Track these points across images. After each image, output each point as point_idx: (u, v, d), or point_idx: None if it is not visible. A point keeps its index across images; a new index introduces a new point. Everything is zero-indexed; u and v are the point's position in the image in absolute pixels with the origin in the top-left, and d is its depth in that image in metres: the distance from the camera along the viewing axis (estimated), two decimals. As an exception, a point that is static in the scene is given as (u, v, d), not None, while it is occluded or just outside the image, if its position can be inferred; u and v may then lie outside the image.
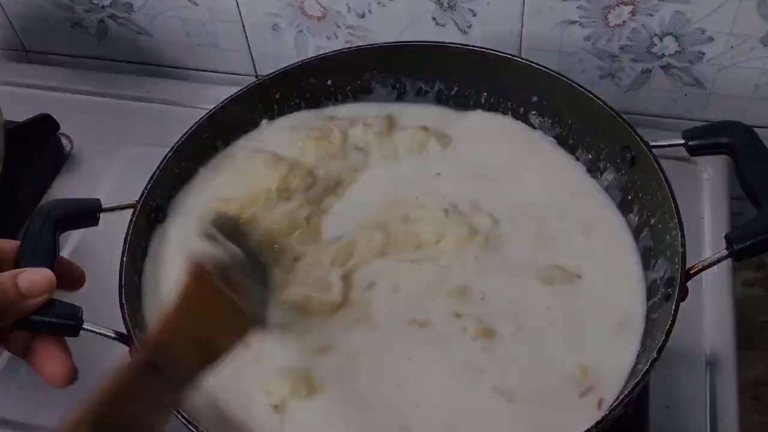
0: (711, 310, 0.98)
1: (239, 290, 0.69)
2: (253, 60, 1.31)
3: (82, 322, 0.79)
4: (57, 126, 1.23)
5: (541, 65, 0.95)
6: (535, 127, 1.00)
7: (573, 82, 0.93)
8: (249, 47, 1.29)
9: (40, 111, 1.22)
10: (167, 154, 0.95)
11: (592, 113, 0.91)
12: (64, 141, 1.26)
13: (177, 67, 1.37)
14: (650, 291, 0.83)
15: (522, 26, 1.12)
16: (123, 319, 0.81)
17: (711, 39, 1.09)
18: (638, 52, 1.14)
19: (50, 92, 1.33)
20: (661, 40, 1.11)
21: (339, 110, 1.02)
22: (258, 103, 1.02)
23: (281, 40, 1.26)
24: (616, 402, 0.69)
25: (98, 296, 0.86)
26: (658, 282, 0.82)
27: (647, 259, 0.85)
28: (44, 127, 1.21)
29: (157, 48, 1.35)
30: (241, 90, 1.00)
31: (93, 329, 0.80)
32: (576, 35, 1.11)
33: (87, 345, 0.77)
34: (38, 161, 1.22)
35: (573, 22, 1.12)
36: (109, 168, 1.22)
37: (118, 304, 0.83)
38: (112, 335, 0.81)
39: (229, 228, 0.76)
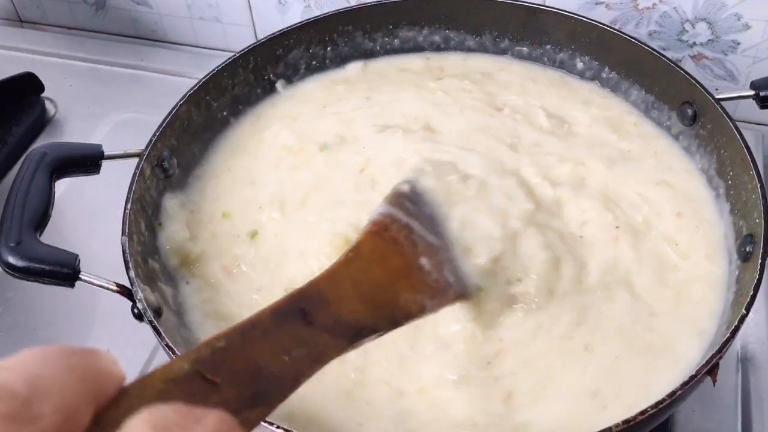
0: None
1: (431, 256, 0.64)
2: (256, 37, 1.25)
3: (78, 271, 0.71)
4: (41, 87, 1.16)
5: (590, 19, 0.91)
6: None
7: (626, 34, 0.88)
8: (253, 22, 1.23)
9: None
10: (178, 102, 0.86)
11: (645, 65, 0.87)
12: (48, 104, 1.19)
13: (176, 43, 1.30)
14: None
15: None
16: (126, 268, 0.71)
17: (747, 26, 1.04)
18: (668, 39, 1.09)
19: (39, 56, 1.27)
20: (693, 26, 1.06)
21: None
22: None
23: (288, 15, 1.19)
24: (713, 354, 0.61)
25: (100, 252, 0.79)
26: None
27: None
28: (27, 86, 1.15)
29: (157, 20, 1.28)
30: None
31: (91, 280, 0.71)
32: (602, 18, 1.06)
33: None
34: (19, 122, 1.14)
35: (599, 3, 1.07)
36: (91, 134, 1.14)
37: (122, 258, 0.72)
38: (113, 288, 0.71)
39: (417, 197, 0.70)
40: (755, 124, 1.11)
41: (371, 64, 0.99)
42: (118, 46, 1.28)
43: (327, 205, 0.81)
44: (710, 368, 0.61)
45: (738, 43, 1.04)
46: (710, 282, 0.74)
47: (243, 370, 0.43)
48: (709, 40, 1.06)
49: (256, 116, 0.95)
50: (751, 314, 0.86)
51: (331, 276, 0.56)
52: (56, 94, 1.20)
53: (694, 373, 0.61)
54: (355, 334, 0.53)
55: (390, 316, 0.57)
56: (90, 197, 1.03)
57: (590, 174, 0.83)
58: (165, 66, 1.23)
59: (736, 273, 0.73)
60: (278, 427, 0.59)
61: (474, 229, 0.71)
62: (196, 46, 1.28)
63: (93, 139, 1.06)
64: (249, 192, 0.86)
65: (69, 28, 1.34)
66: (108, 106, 1.17)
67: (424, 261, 0.64)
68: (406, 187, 0.70)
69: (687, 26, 1.05)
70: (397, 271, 0.61)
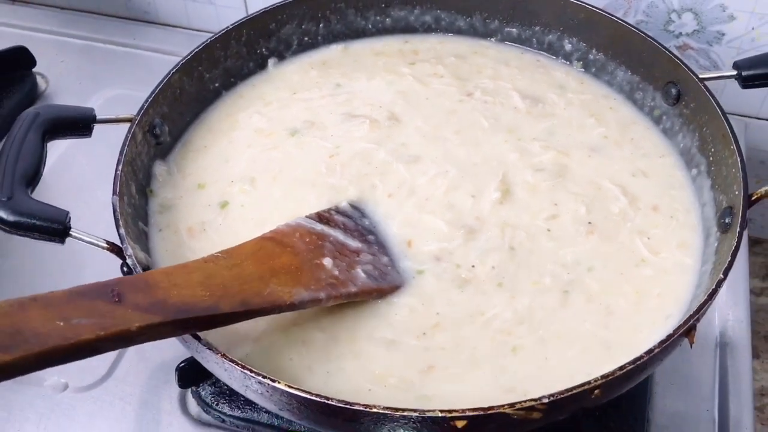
0: (724, 290, 0.91)
1: (341, 257, 0.73)
2: (249, 19, 1.26)
3: (69, 227, 0.71)
4: (33, 61, 1.17)
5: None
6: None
7: (612, 15, 0.90)
8: (245, 4, 1.23)
9: (20, 47, 1.16)
10: (171, 70, 0.87)
11: (632, 47, 0.88)
12: (39, 79, 1.20)
13: (169, 25, 1.30)
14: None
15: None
16: (116, 226, 0.72)
17: (732, 18, 1.06)
18: (654, 29, 1.11)
19: (32, 32, 1.27)
20: (679, 16, 1.08)
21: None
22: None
23: (281, -4, 1.20)
24: (691, 315, 0.62)
25: (91, 213, 0.80)
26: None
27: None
28: (19, 60, 1.15)
29: (150, 1, 1.28)
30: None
31: (82, 237, 0.72)
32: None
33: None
34: (9, 95, 1.15)
35: (588, -10, 1.09)
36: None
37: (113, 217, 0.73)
38: (103, 245, 0.72)
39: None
40: (739, 115, 1.12)
41: (351, 47, 1.00)
42: (111, 24, 1.29)
43: (296, 184, 0.84)
44: (687, 329, 0.63)
45: (723, 34, 1.06)
46: (677, 272, 0.76)
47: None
48: (694, 30, 1.07)
49: (238, 95, 0.96)
50: (729, 297, 0.89)
51: (171, 270, 0.63)
52: (48, 69, 1.20)
53: (671, 332, 0.62)
54: (180, 311, 0.59)
55: (244, 301, 0.63)
56: (82, 164, 1.04)
57: (570, 162, 0.84)
58: (158, 45, 1.24)
59: (715, 245, 0.74)
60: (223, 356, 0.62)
61: (418, 227, 0.79)
62: (189, 28, 1.29)
63: None
64: (223, 168, 0.87)
65: (62, 8, 1.34)
66: (100, 82, 1.18)
67: (327, 261, 0.71)
68: (343, 204, 0.80)
69: (673, 16, 1.07)
70: (279, 268, 0.68)
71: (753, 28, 1.04)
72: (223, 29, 0.92)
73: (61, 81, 1.20)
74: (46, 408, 0.84)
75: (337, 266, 0.72)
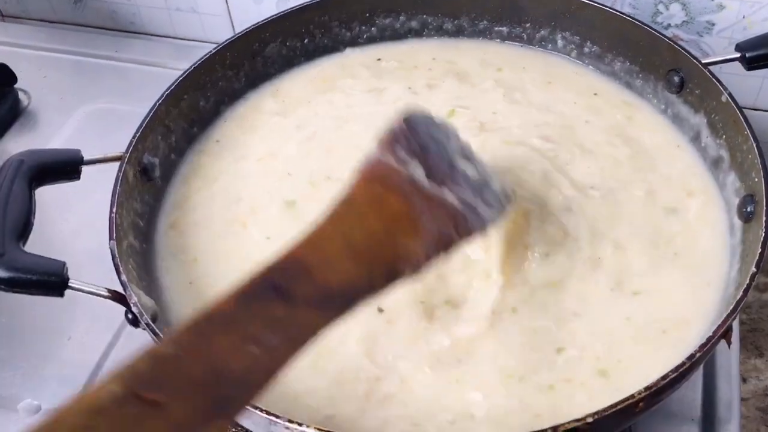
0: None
1: (434, 201, 0.57)
2: (233, 27, 1.22)
3: (67, 279, 0.68)
4: (14, 78, 1.15)
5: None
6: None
7: (607, 6, 0.88)
8: (229, 12, 1.20)
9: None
10: (156, 102, 0.83)
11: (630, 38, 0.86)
12: (21, 95, 1.17)
13: (155, 35, 1.28)
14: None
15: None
16: (117, 273, 0.69)
17: (721, 7, 1.03)
18: (642, 21, 1.08)
19: (15, 48, 1.25)
20: (667, 7, 1.05)
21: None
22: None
23: (262, 5, 1.17)
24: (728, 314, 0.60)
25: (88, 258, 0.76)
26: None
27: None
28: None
29: (135, 12, 1.26)
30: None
31: (81, 287, 0.69)
32: (577, -1, 1.05)
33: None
34: None
35: (572, -19, 1.06)
36: (66, 124, 1.12)
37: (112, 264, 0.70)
38: (104, 293, 0.69)
39: (425, 131, 0.61)
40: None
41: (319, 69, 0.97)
42: (94, 37, 1.26)
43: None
44: (725, 330, 0.60)
45: (713, 24, 1.03)
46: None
47: (197, 378, 0.36)
48: (683, 21, 1.04)
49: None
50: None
51: (314, 238, 0.49)
52: (30, 85, 1.18)
53: (711, 334, 0.60)
54: (348, 300, 0.46)
55: (390, 270, 0.51)
56: (73, 203, 1.01)
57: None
58: (141, 56, 1.21)
59: (739, 235, 0.72)
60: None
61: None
62: (175, 38, 1.26)
63: (66, 129, 1.07)
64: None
65: (50, 22, 1.32)
66: (83, 97, 1.16)
67: (447, 194, 0.57)
68: (401, 125, 0.61)
69: (661, 7, 1.04)
70: (396, 219, 0.54)
71: (744, 17, 1.01)
72: (205, 55, 0.89)
73: (43, 96, 1.17)
74: None
75: (432, 209, 0.57)
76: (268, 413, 0.58)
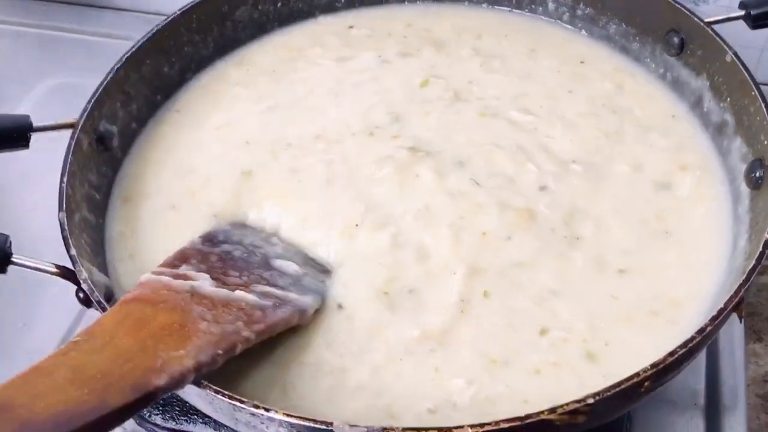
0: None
1: (220, 305, 0.59)
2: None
3: (10, 253, 0.62)
4: None
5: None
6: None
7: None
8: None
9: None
10: (115, 65, 0.77)
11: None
12: None
13: (126, 9, 1.20)
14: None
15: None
16: (66, 247, 0.62)
17: None
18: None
19: None
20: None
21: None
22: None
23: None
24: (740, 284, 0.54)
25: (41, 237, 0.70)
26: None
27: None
28: None
29: None
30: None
31: (25, 262, 0.63)
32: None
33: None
34: None
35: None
36: (24, 98, 1.06)
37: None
38: (52, 270, 0.63)
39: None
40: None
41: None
42: (58, 10, 1.19)
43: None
44: (737, 302, 0.55)
45: (708, -7, 0.99)
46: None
47: None
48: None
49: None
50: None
51: (20, 380, 0.49)
52: None
53: (722, 306, 0.54)
54: (60, 425, 0.46)
55: (137, 384, 0.50)
56: (31, 177, 0.95)
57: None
58: (108, 30, 1.15)
59: (747, 203, 0.67)
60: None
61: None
62: (146, 12, 1.18)
63: (25, 103, 1.01)
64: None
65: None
66: (43, 71, 1.10)
67: (205, 308, 0.58)
68: (196, 240, 0.67)
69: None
70: (160, 331, 0.54)
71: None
72: (170, 15, 0.83)
73: (1, 70, 1.11)
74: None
75: (216, 311, 0.58)
76: (231, 398, 0.52)
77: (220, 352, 0.55)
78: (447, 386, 0.59)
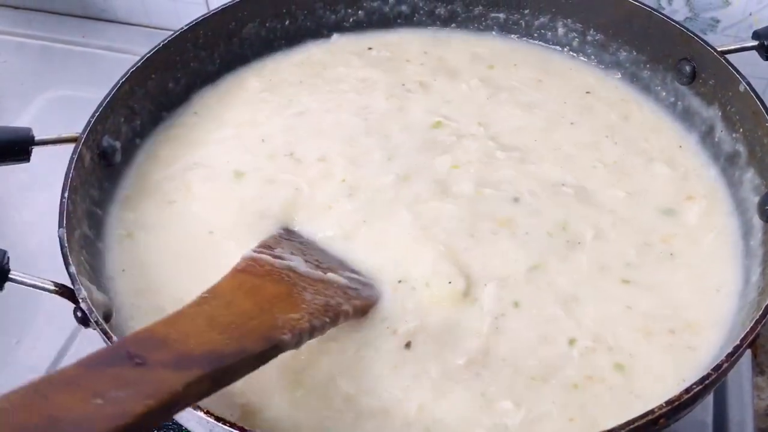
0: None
1: (317, 282, 0.64)
2: (211, 16, 1.16)
3: (8, 270, 0.62)
4: None
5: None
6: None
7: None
8: (207, 0, 1.14)
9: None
10: (119, 80, 0.76)
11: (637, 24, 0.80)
12: None
13: (127, 23, 1.21)
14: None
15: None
16: (65, 264, 0.61)
17: (727, 3, 0.97)
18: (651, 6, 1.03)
19: None
20: (670, 2, 1.00)
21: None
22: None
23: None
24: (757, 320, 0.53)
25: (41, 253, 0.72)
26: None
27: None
28: None
29: None
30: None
31: (24, 279, 0.62)
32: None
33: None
34: None
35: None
36: (24, 111, 1.06)
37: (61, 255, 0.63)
38: (50, 287, 0.62)
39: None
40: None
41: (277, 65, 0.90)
42: (63, 23, 1.20)
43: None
44: (754, 338, 0.54)
45: (717, 21, 0.98)
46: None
47: (29, 424, 0.40)
48: (687, 18, 0.99)
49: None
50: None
51: (173, 319, 0.54)
52: None
53: (738, 342, 0.53)
54: (214, 360, 0.50)
55: (265, 336, 0.55)
56: (32, 193, 0.95)
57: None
58: (110, 43, 1.16)
59: (759, 236, 0.66)
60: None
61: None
62: (149, 26, 1.19)
63: (25, 116, 1.01)
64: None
65: (16, 8, 1.24)
66: (45, 83, 1.09)
67: (308, 283, 0.63)
68: (281, 232, 0.71)
69: (664, 3, 0.99)
70: (273, 298, 0.59)
71: (750, 14, 0.95)
72: (176, 32, 0.82)
73: (2, 82, 1.11)
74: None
75: (317, 287, 0.63)
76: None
77: (327, 320, 0.59)
78: (496, 409, 0.59)
